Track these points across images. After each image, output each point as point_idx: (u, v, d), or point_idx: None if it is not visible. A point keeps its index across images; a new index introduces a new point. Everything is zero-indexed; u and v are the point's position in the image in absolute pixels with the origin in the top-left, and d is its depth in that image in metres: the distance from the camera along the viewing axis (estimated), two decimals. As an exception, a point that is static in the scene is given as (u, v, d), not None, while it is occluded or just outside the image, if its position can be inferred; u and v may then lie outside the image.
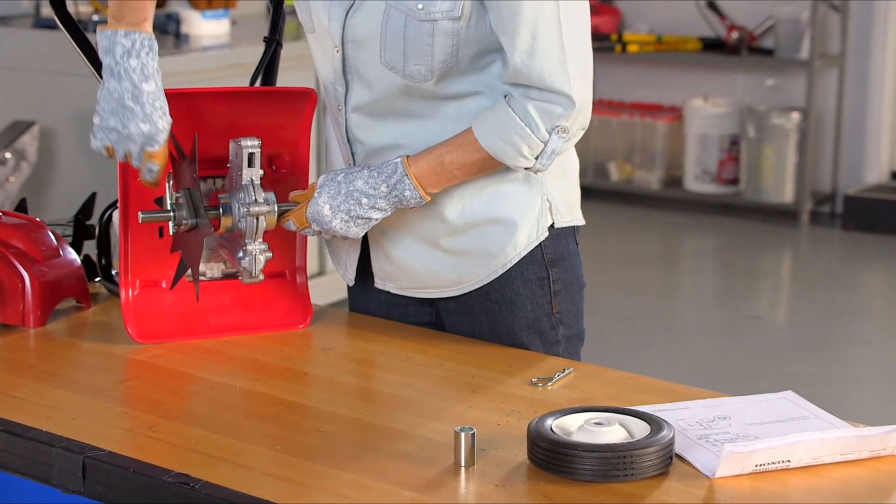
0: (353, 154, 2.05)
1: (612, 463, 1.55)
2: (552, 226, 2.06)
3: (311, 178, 2.08)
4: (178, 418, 1.75)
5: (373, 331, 2.10)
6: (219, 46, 4.65)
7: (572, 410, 1.66)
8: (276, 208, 1.94)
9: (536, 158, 1.93)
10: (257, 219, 1.92)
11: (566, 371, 1.91)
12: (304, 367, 1.97)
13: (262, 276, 1.95)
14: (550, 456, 1.57)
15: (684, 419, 1.71)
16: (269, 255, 1.95)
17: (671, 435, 1.59)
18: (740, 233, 6.37)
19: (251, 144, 1.92)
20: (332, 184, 1.95)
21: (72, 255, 2.18)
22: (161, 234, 2.03)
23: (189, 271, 1.99)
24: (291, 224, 1.98)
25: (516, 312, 2.06)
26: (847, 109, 6.61)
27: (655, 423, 1.61)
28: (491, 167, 1.96)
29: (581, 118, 1.92)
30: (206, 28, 4.77)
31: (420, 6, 1.90)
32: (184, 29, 4.74)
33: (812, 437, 1.59)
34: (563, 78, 1.88)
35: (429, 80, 1.94)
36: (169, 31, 4.72)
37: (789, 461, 1.58)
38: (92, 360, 1.99)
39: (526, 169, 1.95)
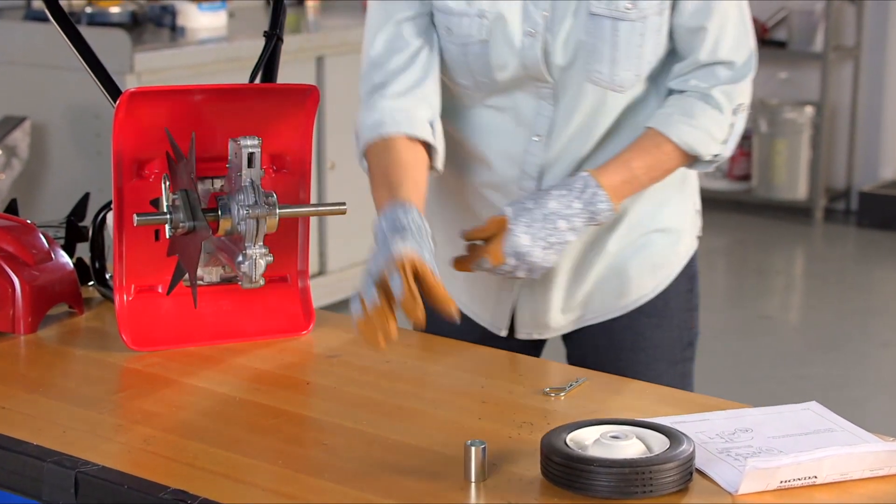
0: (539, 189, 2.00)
1: (630, 479, 1.52)
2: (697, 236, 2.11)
3: (315, 179, 2.05)
4: (175, 431, 1.73)
5: (377, 337, 2.08)
6: (216, 39, 4.63)
7: (587, 423, 1.64)
8: (277, 210, 1.91)
9: (724, 143, 1.95)
10: (257, 221, 1.89)
11: (580, 380, 1.88)
12: (306, 376, 1.95)
13: (262, 281, 1.93)
14: (565, 471, 1.55)
15: (704, 432, 1.68)
16: (270, 258, 1.92)
17: (691, 449, 1.56)
18: (752, 230, 6.35)
19: (251, 144, 1.89)
20: (525, 213, 1.89)
21: (64, 258, 2.16)
22: (157, 237, 2.01)
23: (186, 276, 1.97)
24: (486, 262, 1.90)
25: (664, 327, 2.06)
26: (862, 103, 6.58)
27: (675, 437, 1.59)
28: (674, 167, 1.96)
29: (750, 98, 1.97)
30: (202, 20, 4.75)
31: (629, 5, 1.89)
32: (179, 21, 4.72)
33: (840, 452, 1.56)
34: (748, 51, 1.94)
35: (635, 84, 1.94)
36: (164, 23, 4.70)
37: (816, 477, 1.55)
38: (85, 368, 1.96)
39: (714, 157, 1.95)
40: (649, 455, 1.56)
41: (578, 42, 1.92)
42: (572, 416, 1.75)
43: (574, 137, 1.98)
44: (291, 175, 2.05)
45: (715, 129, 1.93)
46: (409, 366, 1.96)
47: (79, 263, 2.23)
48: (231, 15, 4.91)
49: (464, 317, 2.13)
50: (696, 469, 1.58)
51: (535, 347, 2.16)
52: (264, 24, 2.16)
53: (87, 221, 2.27)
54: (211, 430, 1.73)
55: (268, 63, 2.14)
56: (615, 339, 2.08)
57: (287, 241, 2.06)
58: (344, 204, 1.98)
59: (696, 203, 2.11)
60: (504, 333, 2.13)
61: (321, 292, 4.71)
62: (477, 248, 1.93)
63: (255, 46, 4.48)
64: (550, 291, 2.07)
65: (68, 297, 2.14)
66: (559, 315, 2.09)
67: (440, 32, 1.98)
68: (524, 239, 1.89)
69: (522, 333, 2.11)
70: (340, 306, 4.95)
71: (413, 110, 1.94)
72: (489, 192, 2.06)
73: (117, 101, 1.90)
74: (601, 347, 2.09)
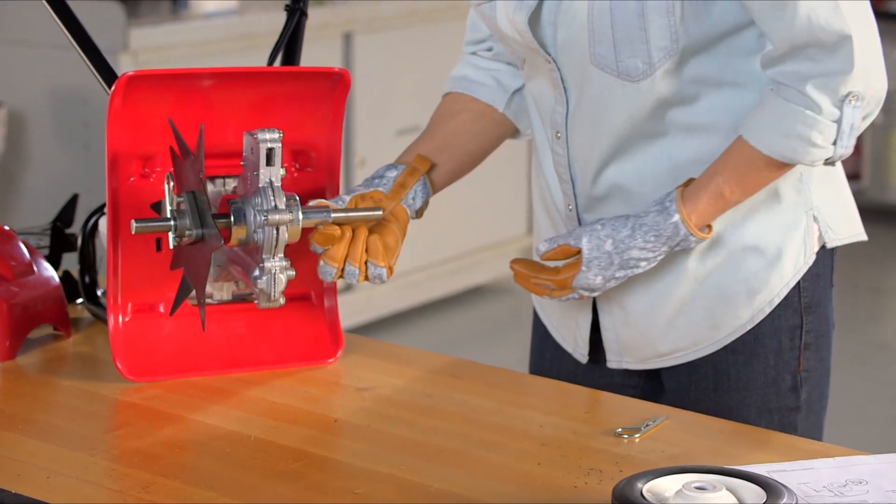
0: (574, 195, 2.06)
1: (719, 538, 1.53)
2: (823, 248, 2.06)
3: (342, 179, 2.07)
4: (179, 476, 1.74)
5: (417, 366, 2.10)
6: (225, 13, 4.65)
7: (668, 471, 1.64)
8: (301, 216, 1.92)
9: (834, 144, 1.91)
10: (277, 229, 1.90)
11: (658, 419, 1.89)
12: (333, 411, 1.96)
13: (282, 300, 1.94)
14: (641, 528, 1.55)
15: (808, 483, 1.68)
16: (292, 273, 1.93)
17: (793, 503, 1.56)
18: (869, 242, 6.30)
19: (270, 138, 1.90)
20: (602, 256, 1.96)
21: (48, 271, 2.17)
22: (159, 248, 2.02)
23: (193, 293, 1.98)
24: (549, 286, 2.00)
25: (754, 366, 2.05)
26: None
27: (772, 489, 1.59)
28: (773, 179, 1.97)
29: (873, 80, 1.89)
30: (210, -9, 4.77)
31: None
32: (183, -9, 4.75)
33: (971, 509, 1.55)
34: (841, 22, 1.86)
35: (648, 75, 1.94)
36: (165, -6, 4.73)
37: (942, 538, 1.55)
38: (73, 402, 1.98)
39: (826, 161, 1.93)
40: (742, 510, 1.57)
41: (580, 20, 1.95)
42: (650, 463, 1.75)
43: (587, 134, 2.01)
44: (317, 174, 2.06)
45: (814, 133, 1.89)
46: (454, 400, 1.97)
47: (65, 278, 2.24)
48: (243, -16, 4.95)
49: (557, 344, 2.21)
50: (798, 527, 1.59)
51: (647, 380, 2.16)
52: (286, -3, 2.18)
53: (76, 228, 2.28)
54: (221, 476, 1.74)
55: (289, 42, 2.15)
56: (697, 375, 2.08)
57: (311, 253, 2.07)
58: (379, 209, 1.99)
59: (809, 208, 2.05)
60: (585, 360, 2.15)
61: (349, 312, 4.73)
62: (543, 267, 2.01)
63: (271, 21, 4.53)
64: (629, 314, 2.08)
65: (53, 318, 2.16)
66: (643, 341, 2.09)
67: None
68: (597, 281, 1.97)
69: (612, 361, 2.13)
70: (372, 329, 4.96)
71: (486, 75, 2.17)
72: (549, 193, 2.13)
73: (113, 87, 1.92)
74: (683, 385, 2.09)
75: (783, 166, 1.94)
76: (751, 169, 1.93)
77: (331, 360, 2.09)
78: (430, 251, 5.20)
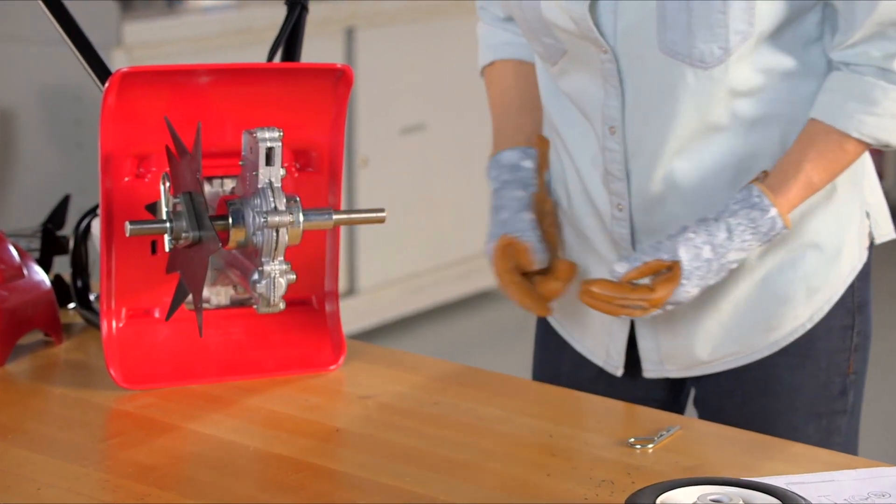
0: (629, 193, 2.03)
1: (736, 552, 1.53)
2: (871, 245, 2.09)
3: (344, 179, 2.07)
4: (175, 488, 1.74)
5: (422, 373, 2.10)
6: (223, 8, 4.66)
7: (682, 483, 1.64)
8: (302, 218, 1.92)
9: None
10: (277, 231, 1.90)
11: (671, 429, 1.88)
12: (335, 420, 1.96)
13: (282, 305, 1.94)
14: (655, 542, 1.55)
15: (829, 496, 1.68)
16: (292, 277, 1.93)
17: (812, 516, 1.56)
18: (889, 243, 6.29)
19: (269, 137, 1.90)
20: (703, 265, 1.94)
21: (39, 275, 2.17)
22: (154, 251, 2.03)
23: (189, 298, 1.98)
24: (639, 306, 1.95)
25: (807, 368, 2.06)
26: None
27: (791, 501, 1.58)
28: (854, 162, 1.98)
29: None
30: (206, -16, 4.78)
31: None
32: (179, -15, 4.75)
33: None
34: None
35: (723, 60, 1.93)
36: (160, -13, 4.74)
37: (969, 553, 1.55)
38: (64, 411, 1.98)
39: None
40: (760, 523, 1.57)
41: (643, 4, 1.94)
42: (663, 474, 1.75)
43: (649, 127, 2.00)
44: (319, 174, 2.06)
45: None
46: (460, 409, 1.97)
47: (57, 281, 2.24)
48: (241, -23, 4.95)
49: (578, 355, 2.19)
50: (818, 541, 1.59)
51: (672, 392, 2.16)
52: (285, -11, 2.18)
53: (68, 230, 2.29)
54: (218, 488, 1.74)
55: (290, 37, 2.15)
56: (743, 378, 2.07)
57: (312, 256, 2.08)
58: (382, 210, 1.99)
59: (862, 203, 2.07)
60: (619, 372, 2.14)
61: (351, 317, 4.73)
62: (629, 286, 1.96)
63: (271, 16, 4.53)
64: (675, 317, 2.07)
65: (44, 323, 2.16)
66: (688, 349, 2.08)
67: None
68: (694, 292, 1.96)
69: (650, 371, 2.12)
70: (375, 334, 4.97)
71: (523, 40, 2.19)
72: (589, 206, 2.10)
73: (106, 83, 1.92)
74: (726, 389, 2.09)
75: (866, 148, 1.96)
76: (839, 153, 1.95)
77: (332, 367, 2.09)
78: (435, 254, 5.20)
